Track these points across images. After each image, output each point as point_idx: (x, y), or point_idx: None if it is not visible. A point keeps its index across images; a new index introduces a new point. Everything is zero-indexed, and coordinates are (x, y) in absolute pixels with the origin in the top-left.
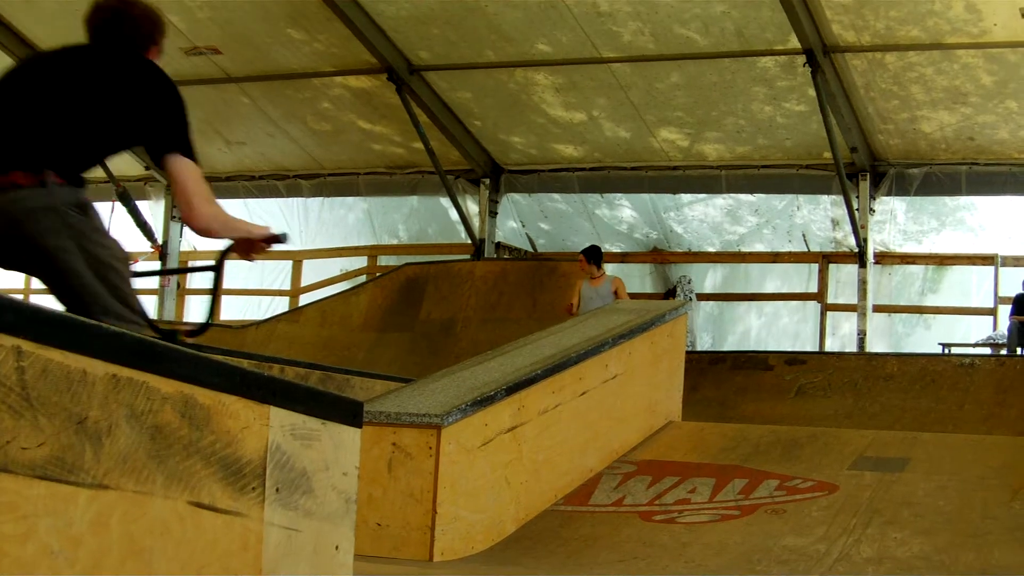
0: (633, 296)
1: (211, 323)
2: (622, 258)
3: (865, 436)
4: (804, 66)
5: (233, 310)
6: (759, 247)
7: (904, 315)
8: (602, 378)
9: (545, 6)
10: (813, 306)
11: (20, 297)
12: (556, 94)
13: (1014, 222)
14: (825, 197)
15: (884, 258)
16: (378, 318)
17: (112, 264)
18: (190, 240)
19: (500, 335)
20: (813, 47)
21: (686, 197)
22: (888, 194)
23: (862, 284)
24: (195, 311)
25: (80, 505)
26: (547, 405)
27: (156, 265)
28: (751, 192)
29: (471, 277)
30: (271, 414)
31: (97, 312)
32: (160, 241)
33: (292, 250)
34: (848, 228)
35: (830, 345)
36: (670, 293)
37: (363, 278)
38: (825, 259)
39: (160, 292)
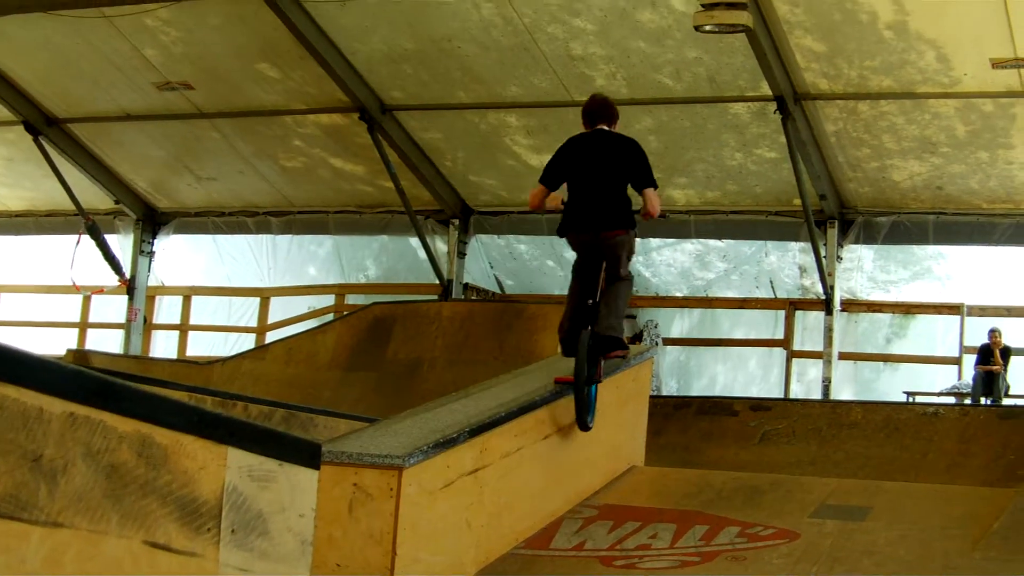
0: None
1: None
2: None
3: (828, 484)
4: (775, 113)
5: (199, 346)
6: (727, 293)
7: (870, 362)
8: (565, 422)
9: (518, 49)
10: (780, 352)
11: None
12: (527, 136)
13: (981, 272)
14: (793, 244)
15: (851, 306)
16: (344, 357)
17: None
18: (157, 275)
19: (466, 376)
20: (784, 94)
21: (655, 242)
22: (856, 242)
23: (828, 331)
24: (162, 345)
25: (33, 543)
26: (510, 448)
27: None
28: (720, 238)
29: (438, 318)
30: (228, 455)
31: (614, 279)
32: (128, 275)
33: (259, 287)
34: (816, 275)
35: (796, 391)
36: (637, 337)
37: (330, 316)
38: (792, 306)
39: (127, 327)
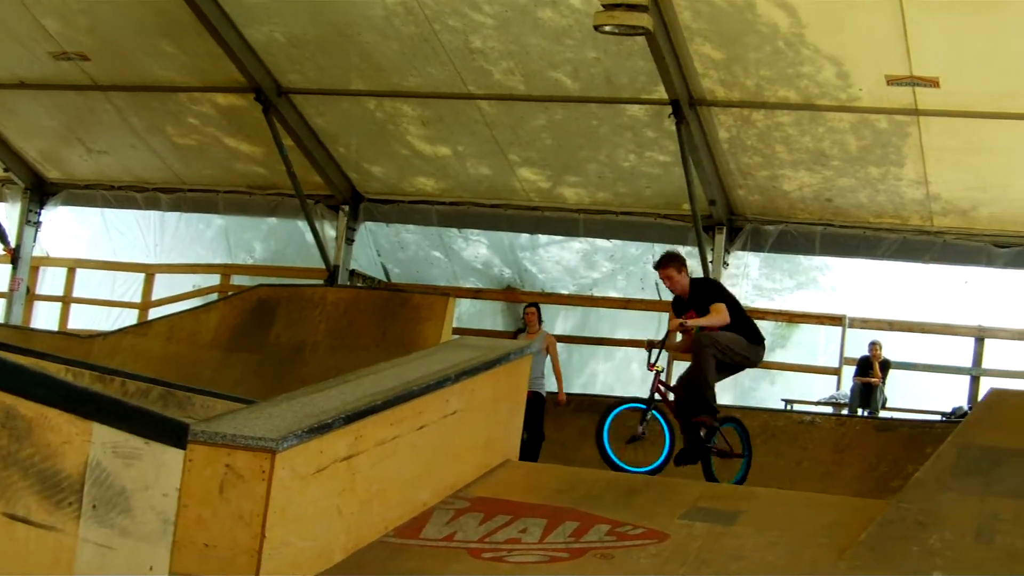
0: (483, 333)
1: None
2: (475, 294)
3: (699, 487)
4: (670, 117)
5: (82, 319)
6: (612, 293)
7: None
8: (442, 413)
9: (418, 39)
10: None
11: None
12: (422, 127)
13: (865, 285)
14: (681, 248)
15: None
16: (227, 337)
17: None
18: (43, 246)
19: (348, 362)
20: (680, 99)
21: (543, 238)
22: (743, 249)
23: None
24: (44, 317)
25: None
26: (385, 436)
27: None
28: (608, 238)
29: (323, 303)
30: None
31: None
32: (12, 244)
33: (145, 263)
34: None
35: None
36: (520, 332)
37: (215, 296)
38: None
39: (9, 296)
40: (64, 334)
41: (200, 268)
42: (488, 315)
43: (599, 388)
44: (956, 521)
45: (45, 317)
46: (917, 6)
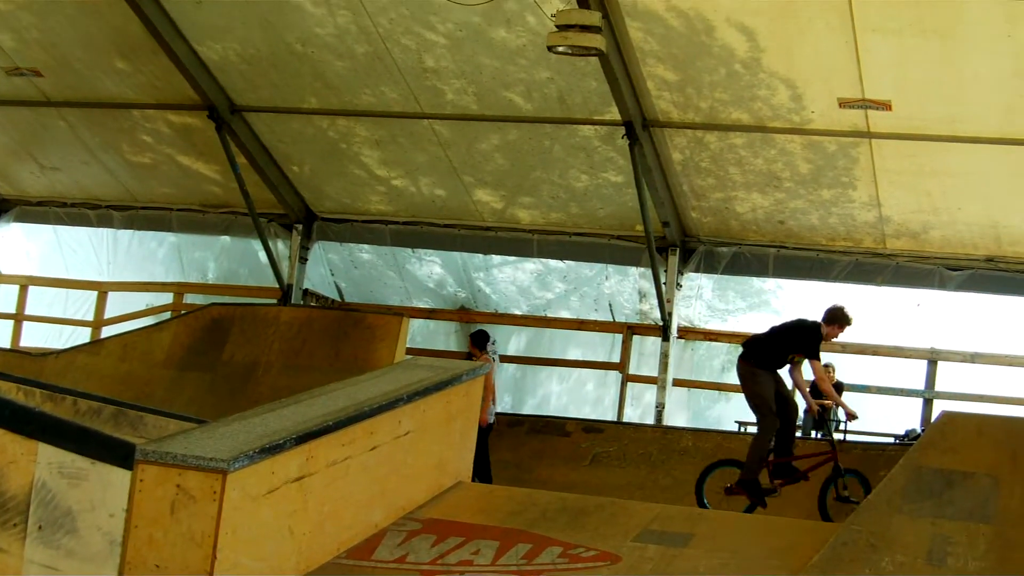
0: (437, 354)
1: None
2: (429, 314)
3: (651, 509)
4: (623, 138)
5: (34, 337)
6: (565, 314)
7: (705, 390)
8: (394, 434)
9: (371, 58)
10: (615, 375)
11: None
12: (375, 146)
13: (818, 307)
14: (634, 269)
15: (687, 333)
16: (180, 356)
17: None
18: None
19: (301, 382)
20: (633, 120)
21: (496, 259)
22: (696, 270)
23: (664, 357)
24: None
25: None
26: (336, 457)
27: None
28: (561, 258)
29: (276, 322)
30: (39, 450)
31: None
32: None
33: (98, 281)
34: (654, 301)
35: (632, 415)
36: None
37: (168, 314)
38: (630, 330)
39: None
40: (16, 352)
41: (153, 286)
42: (442, 336)
43: (552, 409)
44: (908, 544)
45: None
46: (869, 31)
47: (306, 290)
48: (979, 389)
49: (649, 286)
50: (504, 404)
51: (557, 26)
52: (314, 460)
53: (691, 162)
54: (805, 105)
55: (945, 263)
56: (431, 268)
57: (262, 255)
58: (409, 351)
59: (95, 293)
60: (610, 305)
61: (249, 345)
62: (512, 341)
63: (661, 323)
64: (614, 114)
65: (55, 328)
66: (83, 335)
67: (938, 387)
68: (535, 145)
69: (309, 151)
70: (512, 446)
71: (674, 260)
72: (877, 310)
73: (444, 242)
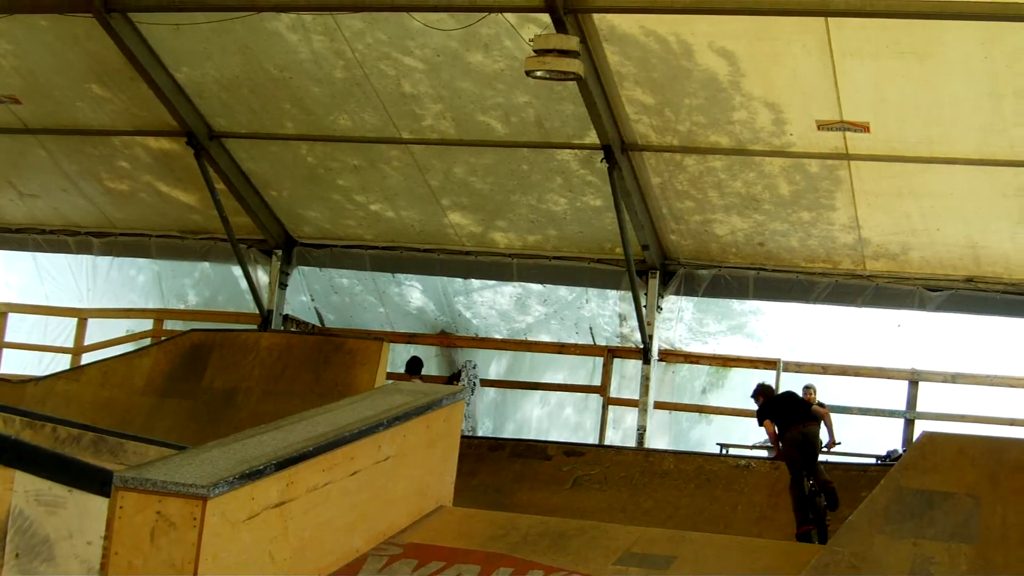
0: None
1: None
2: (409, 339)
3: (633, 532)
4: (601, 162)
5: (13, 364)
6: (545, 337)
7: (686, 412)
8: (375, 459)
9: (349, 83)
10: (596, 398)
11: None
12: (354, 171)
13: (797, 330)
14: (614, 292)
15: (668, 356)
16: (160, 383)
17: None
18: None
19: (282, 408)
20: (612, 144)
21: (476, 283)
22: (677, 293)
23: (645, 380)
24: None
25: None
26: (317, 483)
27: None
28: (541, 282)
29: (256, 348)
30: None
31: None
32: None
33: (78, 307)
34: (635, 324)
35: (613, 438)
36: (455, 377)
37: (148, 341)
38: (610, 353)
39: None
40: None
41: (133, 313)
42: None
43: (533, 432)
44: (889, 564)
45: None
46: (847, 54)
47: (286, 316)
48: (960, 409)
49: (629, 309)
50: (485, 428)
51: (535, 51)
52: (294, 486)
53: (670, 185)
54: (784, 128)
55: (925, 284)
56: (411, 293)
57: (242, 281)
58: (390, 376)
59: (75, 320)
60: (591, 328)
61: (229, 371)
62: (493, 365)
63: (642, 346)
64: (592, 138)
65: (35, 355)
66: (63, 362)
67: (919, 407)
68: (513, 169)
69: (288, 176)
70: (493, 470)
71: (654, 283)
72: (858, 331)
73: (423, 267)
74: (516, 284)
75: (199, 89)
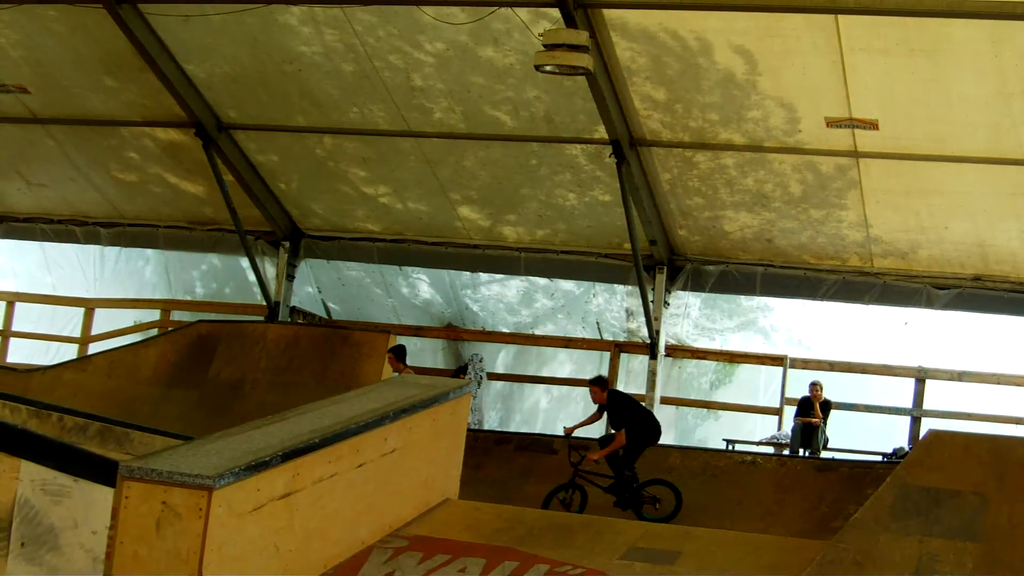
0: (424, 372)
1: None
2: (416, 332)
3: (638, 527)
4: (610, 157)
5: (20, 354)
6: (553, 331)
7: (693, 408)
8: (381, 451)
9: (359, 76)
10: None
11: None
12: (363, 164)
13: (805, 326)
14: (621, 287)
15: (675, 351)
16: (167, 373)
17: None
18: None
19: (288, 399)
20: (620, 139)
21: (483, 276)
22: (684, 289)
23: (651, 375)
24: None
25: None
26: (323, 474)
27: None
28: (548, 276)
29: (263, 339)
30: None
31: None
32: None
33: (85, 297)
34: (642, 319)
35: None
36: (461, 370)
37: (155, 331)
38: (617, 348)
39: None
40: (2, 368)
41: (140, 303)
42: (429, 353)
43: (540, 426)
44: (895, 562)
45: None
46: (856, 50)
47: (293, 307)
48: (967, 407)
49: (637, 304)
50: (491, 421)
51: (544, 45)
52: (300, 477)
53: (679, 181)
54: (795, 126)
55: (932, 282)
56: (418, 286)
57: (249, 273)
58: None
59: (82, 310)
60: (598, 323)
61: (236, 362)
62: (500, 357)
63: (649, 341)
64: (602, 133)
65: (42, 344)
66: (70, 351)
67: (926, 405)
68: (522, 163)
69: (296, 168)
70: (500, 463)
71: (661, 278)
72: (865, 329)
73: (431, 259)
74: (523, 278)
75: (208, 81)
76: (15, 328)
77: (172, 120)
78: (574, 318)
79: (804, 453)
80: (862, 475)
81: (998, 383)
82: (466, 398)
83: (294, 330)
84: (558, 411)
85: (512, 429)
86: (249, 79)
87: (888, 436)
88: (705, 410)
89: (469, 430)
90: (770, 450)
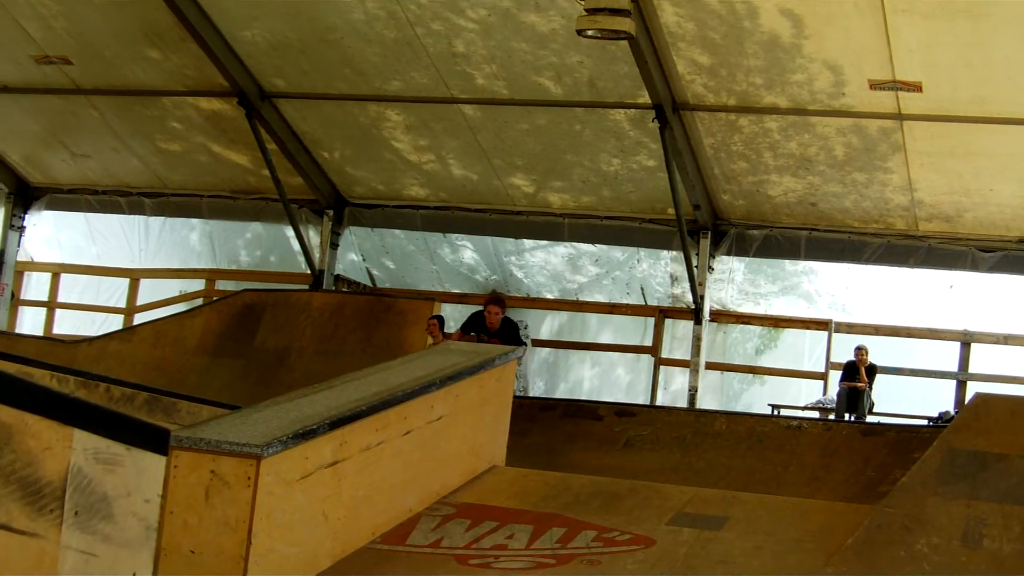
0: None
1: None
2: (461, 299)
3: (685, 492)
4: (653, 121)
5: (67, 324)
6: (597, 297)
7: (737, 373)
8: (427, 418)
9: (401, 43)
10: (647, 359)
11: None
12: (406, 131)
13: (849, 290)
14: (665, 252)
15: (720, 316)
16: (212, 342)
17: None
18: (27, 250)
19: (333, 368)
20: (663, 103)
21: (528, 243)
22: (728, 253)
23: (696, 341)
24: (28, 322)
25: None
26: (370, 442)
27: None
28: (593, 242)
29: (308, 308)
30: (74, 436)
31: None
32: None
33: (130, 268)
34: (686, 284)
35: (663, 399)
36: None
37: (200, 301)
38: (662, 313)
39: None
40: (49, 339)
41: (185, 273)
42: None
43: (585, 393)
44: (942, 526)
45: (30, 322)
46: (899, 12)
47: (337, 276)
48: (1012, 370)
49: (681, 269)
50: (537, 388)
51: (586, 10)
52: (347, 445)
53: (723, 145)
54: (838, 89)
55: (977, 244)
56: (463, 253)
57: (293, 241)
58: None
59: (127, 280)
60: (642, 289)
61: (281, 331)
62: (545, 325)
63: (693, 306)
64: (645, 98)
65: (87, 315)
66: (116, 322)
67: (971, 369)
68: (566, 129)
69: (339, 137)
70: (545, 430)
71: (705, 243)
72: (910, 292)
73: (475, 226)
74: (568, 244)
75: (251, 49)
76: (61, 299)
77: (215, 89)
78: (619, 284)
79: (850, 418)
80: (908, 439)
81: None
82: (511, 364)
83: (339, 298)
84: (603, 379)
85: (558, 396)
86: (291, 47)
87: (934, 400)
88: (750, 375)
89: (515, 397)
90: (816, 415)
